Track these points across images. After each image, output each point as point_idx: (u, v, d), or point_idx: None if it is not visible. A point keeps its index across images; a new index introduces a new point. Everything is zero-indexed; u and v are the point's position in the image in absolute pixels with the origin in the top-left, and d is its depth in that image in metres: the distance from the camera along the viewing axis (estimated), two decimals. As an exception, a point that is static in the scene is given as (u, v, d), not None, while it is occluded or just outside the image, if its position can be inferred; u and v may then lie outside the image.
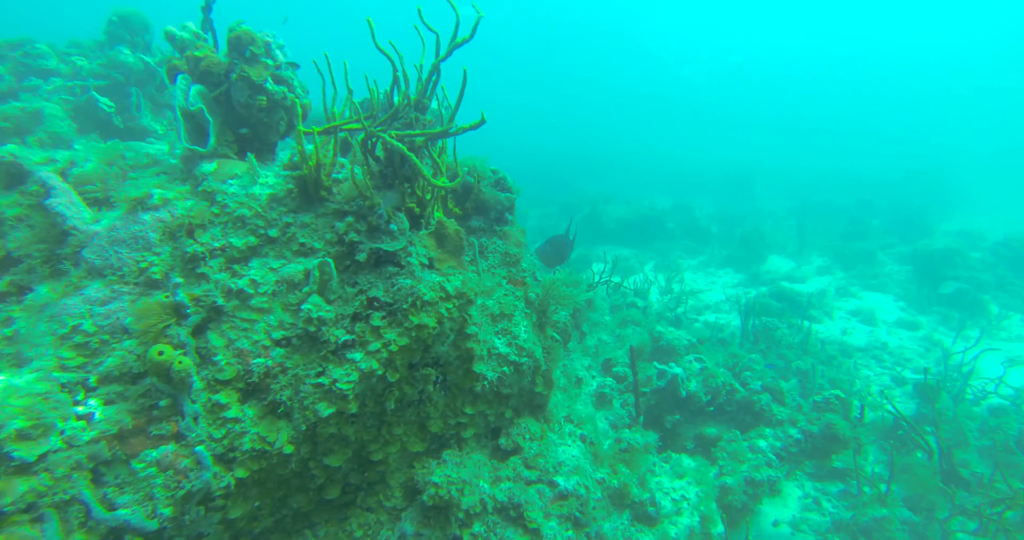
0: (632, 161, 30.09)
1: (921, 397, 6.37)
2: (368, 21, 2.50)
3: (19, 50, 4.35)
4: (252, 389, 2.25)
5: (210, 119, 2.43)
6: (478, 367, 2.85)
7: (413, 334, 2.49)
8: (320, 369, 2.34)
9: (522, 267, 3.18)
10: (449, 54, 2.48)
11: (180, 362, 2.04)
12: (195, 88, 2.41)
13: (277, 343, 2.31)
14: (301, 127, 2.40)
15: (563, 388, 4.14)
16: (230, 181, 2.44)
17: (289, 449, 2.23)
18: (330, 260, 2.38)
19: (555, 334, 3.64)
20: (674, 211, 15.17)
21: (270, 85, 2.60)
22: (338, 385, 2.31)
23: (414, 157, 2.43)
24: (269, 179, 2.49)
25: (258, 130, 2.70)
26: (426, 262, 2.61)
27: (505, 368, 2.96)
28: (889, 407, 5.24)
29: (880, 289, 10.33)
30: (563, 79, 66.04)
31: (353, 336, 2.42)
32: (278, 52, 2.65)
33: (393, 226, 2.52)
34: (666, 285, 9.95)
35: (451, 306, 2.60)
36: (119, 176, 2.57)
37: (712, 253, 12.13)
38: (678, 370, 4.41)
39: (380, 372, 2.42)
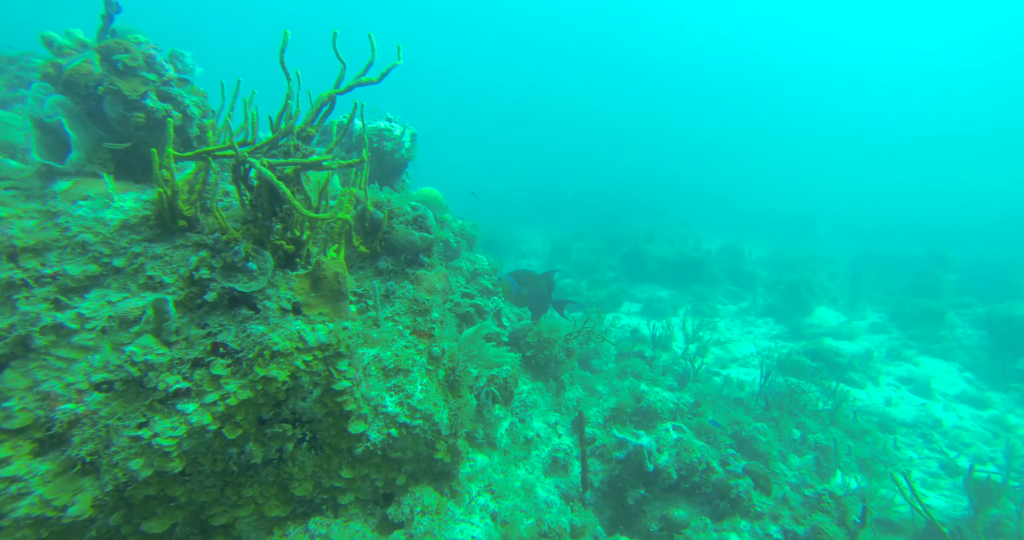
0: (687, 198, 29.13)
1: (975, 496, 5.36)
2: (284, 33, 2.28)
3: (16, 64, 4.52)
4: (55, 440, 1.99)
5: (71, 134, 2.26)
6: (355, 427, 2.51)
7: (259, 387, 2.18)
8: (143, 420, 2.06)
9: (432, 317, 2.82)
10: (349, 89, 2.24)
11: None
12: (53, 98, 2.26)
13: (97, 387, 2.06)
14: (170, 150, 2.18)
15: (503, 450, 3.70)
16: (80, 202, 2.25)
17: (88, 514, 1.94)
18: (168, 298, 2.12)
19: (470, 395, 3.24)
20: (722, 252, 14.34)
21: (151, 102, 2.41)
22: (158, 440, 2.02)
23: (283, 186, 2.15)
24: (127, 203, 2.29)
25: (140, 149, 2.51)
26: (289, 307, 2.30)
27: (392, 430, 2.60)
28: (919, 504, 4.39)
29: (943, 355, 9.15)
30: (617, 116, 66.08)
31: (189, 384, 2.13)
32: (167, 66, 2.47)
33: (252, 265, 2.24)
34: (693, 333, 9.21)
35: (310, 359, 2.29)
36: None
37: (755, 300, 11.23)
38: (645, 441, 3.86)
39: (214, 428, 2.11)
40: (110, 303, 2.17)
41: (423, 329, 2.82)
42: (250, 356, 2.19)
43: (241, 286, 2.25)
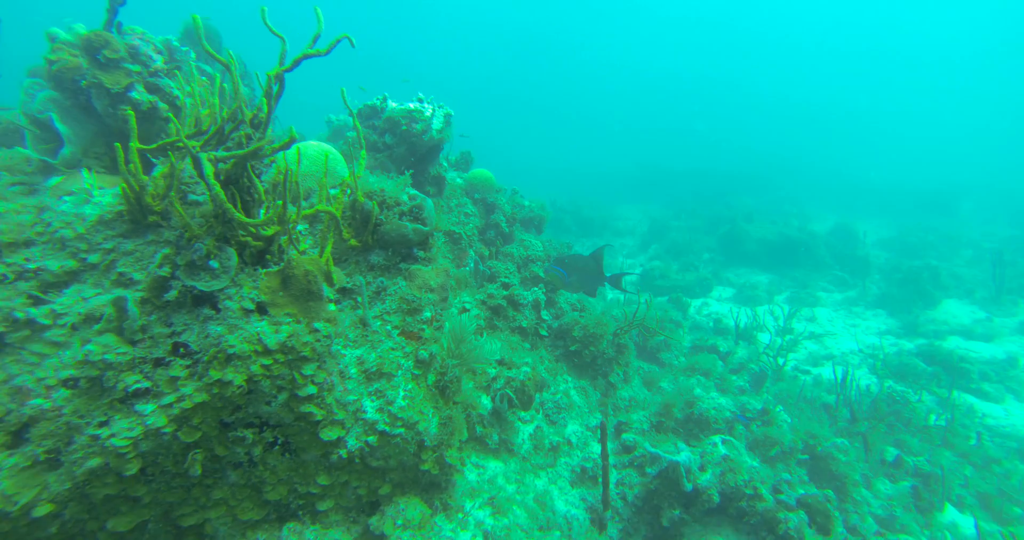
0: (800, 173, 26.36)
1: None
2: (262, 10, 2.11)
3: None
4: (27, 434, 2.03)
5: (61, 128, 2.28)
6: (328, 433, 2.38)
7: (215, 391, 2.10)
8: (104, 419, 2.05)
9: (422, 317, 2.60)
10: (295, 65, 2.02)
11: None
12: (44, 94, 2.27)
13: (64, 383, 2.07)
14: (134, 143, 2.11)
15: (523, 456, 3.45)
16: (65, 198, 2.26)
17: (44, 509, 1.97)
18: (129, 296, 2.08)
19: (486, 397, 2.99)
20: (832, 233, 12.79)
21: (136, 94, 2.36)
22: (113, 441, 2.00)
23: (218, 187, 2.01)
24: (105, 198, 2.26)
25: (140, 140, 2.48)
26: (252, 307, 2.18)
27: (371, 438, 2.44)
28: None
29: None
30: (727, 89, 61.11)
31: (150, 384, 2.09)
32: (155, 56, 2.40)
33: (214, 263, 2.13)
34: (785, 324, 8.27)
35: (270, 362, 2.16)
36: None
37: (864, 288, 9.88)
38: (683, 456, 3.43)
39: (169, 431, 2.05)
40: (84, 299, 2.17)
41: (412, 330, 2.60)
42: (205, 359, 2.10)
43: (202, 285, 2.15)
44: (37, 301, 2.16)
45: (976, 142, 39.88)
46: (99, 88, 2.33)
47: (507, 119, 55.98)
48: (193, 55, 2.66)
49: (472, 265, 4.77)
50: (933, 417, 5.66)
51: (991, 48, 50.88)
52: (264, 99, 2.05)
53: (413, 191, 2.73)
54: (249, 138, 2.09)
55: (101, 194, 2.31)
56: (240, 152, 1.90)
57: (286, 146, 1.83)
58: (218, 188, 1.82)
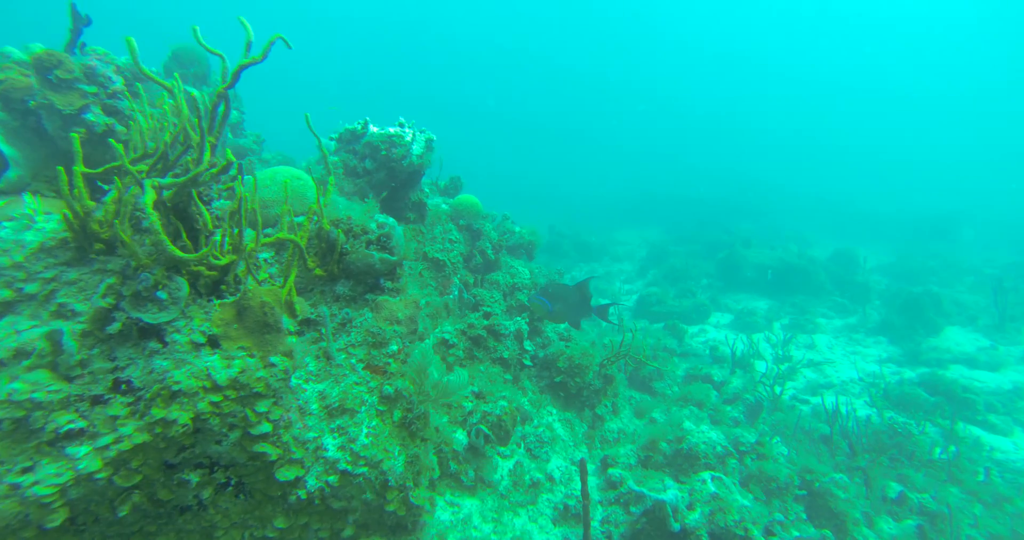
0: (801, 200, 26.42)
1: None
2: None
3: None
4: (-54, 478, 1.87)
5: (6, 150, 2.17)
6: (284, 474, 2.21)
7: (157, 431, 1.94)
8: (29, 464, 1.89)
9: (388, 350, 2.46)
10: (236, 80, 1.91)
11: None
12: (-10, 118, 2.16)
13: (-12, 424, 1.91)
14: (78, 167, 2.01)
15: (501, 493, 3.26)
16: (5, 224, 2.14)
17: (-38, 563, 1.80)
18: (66, 328, 1.94)
19: (462, 431, 2.83)
20: (832, 259, 12.69)
21: (92, 116, 2.27)
22: (36, 489, 1.83)
23: (155, 216, 1.89)
24: (49, 224, 2.15)
25: (91, 164, 2.38)
26: (203, 340, 2.04)
27: (331, 478, 2.28)
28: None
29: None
30: (725, 117, 62.04)
31: (86, 423, 1.94)
32: (115, 77, 2.31)
33: (161, 294, 2.00)
34: (783, 351, 8.09)
35: (219, 399, 2.01)
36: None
37: (865, 314, 9.71)
38: (670, 495, 3.24)
39: (104, 476, 1.89)
40: (17, 332, 2.03)
41: (377, 363, 2.46)
42: (147, 396, 1.95)
43: (148, 317, 2.02)
44: (-32, 334, 2.03)
45: (976, 168, 40.16)
46: (49, 109, 2.24)
47: (512, 143, 56.58)
48: (153, 69, 2.58)
49: (456, 293, 4.63)
50: (938, 450, 5.44)
51: (995, 74, 51.70)
52: (196, 120, 1.94)
53: (383, 218, 2.62)
54: (196, 163, 1.99)
55: (45, 220, 2.19)
56: (179, 180, 1.79)
57: (224, 170, 1.73)
58: (154, 217, 1.70)
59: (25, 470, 1.87)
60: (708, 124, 62.62)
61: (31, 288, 2.09)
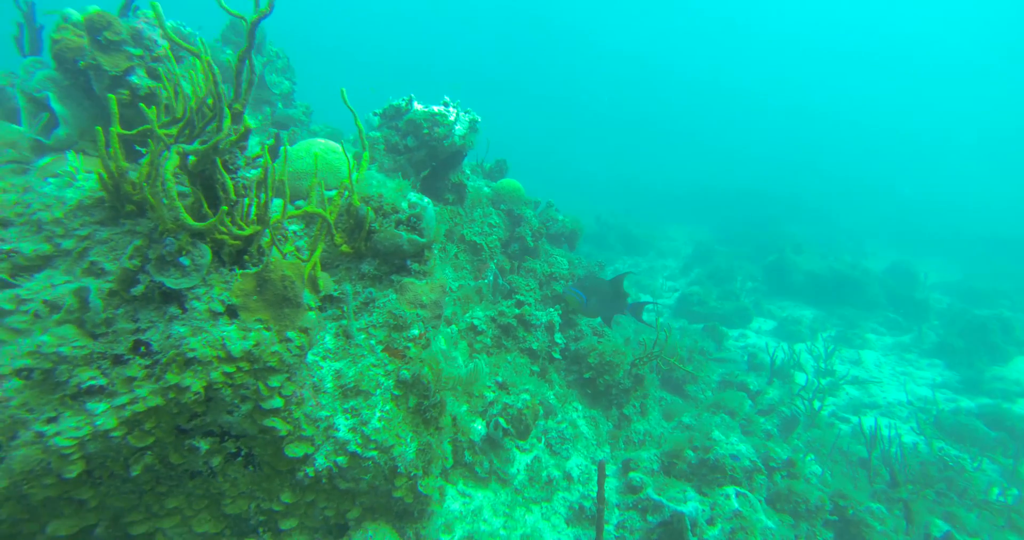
0: (862, 206, 25.00)
1: None
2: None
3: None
4: (-24, 422, 1.93)
5: (56, 108, 2.22)
6: (293, 450, 2.20)
7: (171, 396, 1.95)
8: (54, 415, 1.93)
9: (409, 334, 2.40)
10: (252, 39, 1.86)
11: None
12: (42, 73, 2.21)
13: (17, 373, 1.96)
14: (115, 128, 2.01)
15: (515, 488, 3.20)
16: (50, 179, 2.18)
17: (-19, 504, 1.86)
18: (93, 286, 1.97)
19: (480, 421, 2.77)
20: (888, 272, 11.96)
21: (136, 78, 2.28)
22: (57, 439, 1.88)
23: (171, 180, 1.87)
24: (89, 183, 2.17)
25: (133, 126, 2.40)
26: (221, 310, 2.03)
27: (340, 458, 2.26)
28: None
29: None
30: (791, 110, 59.00)
31: (106, 382, 1.96)
32: (162, 42, 2.31)
33: (184, 260, 2.00)
34: (826, 364, 7.69)
35: (233, 370, 2.01)
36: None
37: (920, 334, 9.11)
38: (690, 507, 3.10)
39: (119, 434, 1.92)
40: (52, 286, 2.08)
41: (397, 347, 2.41)
42: (163, 360, 1.96)
43: (170, 282, 2.02)
44: (4, 285, 2.08)
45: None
46: (98, 70, 2.26)
47: (566, 130, 55.80)
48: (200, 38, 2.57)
49: (491, 278, 4.56)
50: (996, 491, 5.04)
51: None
52: (213, 87, 1.89)
53: (415, 198, 2.55)
54: (218, 131, 1.95)
55: (85, 178, 2.23)
56: (202, 146, 1.76)
57: (244, 138, 1.68)
58: (171, 183, 1.68)
59: (50, 420, 1.92)
60: (773, 115, 60.00)
61: (67, 244, 2.13)
